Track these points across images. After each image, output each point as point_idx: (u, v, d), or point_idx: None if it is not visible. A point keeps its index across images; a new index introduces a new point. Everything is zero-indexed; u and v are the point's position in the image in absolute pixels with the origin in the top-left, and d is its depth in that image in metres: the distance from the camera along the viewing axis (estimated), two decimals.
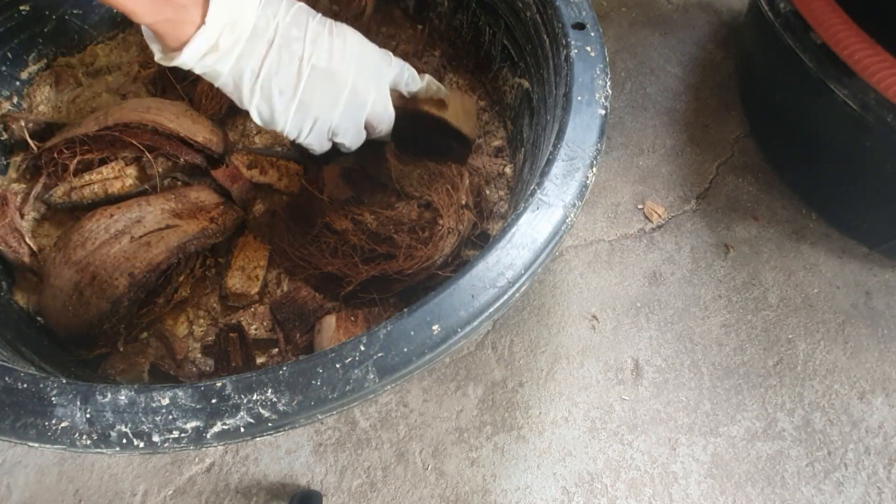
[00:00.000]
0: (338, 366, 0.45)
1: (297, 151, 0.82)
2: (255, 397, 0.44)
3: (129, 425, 0.43)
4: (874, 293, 0.94)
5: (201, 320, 0.72)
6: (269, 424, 0.44)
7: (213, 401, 0.44)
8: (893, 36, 0.78)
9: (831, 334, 0.90)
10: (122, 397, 0.44)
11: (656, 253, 0.96)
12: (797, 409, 0.85)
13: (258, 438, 0.46)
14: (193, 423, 0.43)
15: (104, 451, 0.43)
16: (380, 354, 0.46)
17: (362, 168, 0.80)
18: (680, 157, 1.06)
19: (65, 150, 0.73)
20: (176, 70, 0.76)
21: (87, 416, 0.43)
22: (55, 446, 0.42)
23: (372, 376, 0.45)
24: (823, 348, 0.89)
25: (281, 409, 0.44)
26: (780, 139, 1.03)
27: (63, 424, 0.43)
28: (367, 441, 0.80)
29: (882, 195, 0.89)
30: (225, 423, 0.43)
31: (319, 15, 0.62)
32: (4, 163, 0.78)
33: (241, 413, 0.43)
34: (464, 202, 0.73)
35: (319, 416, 0.45)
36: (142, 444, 0.42)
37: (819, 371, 0.87)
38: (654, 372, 0.86)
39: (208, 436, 0.43)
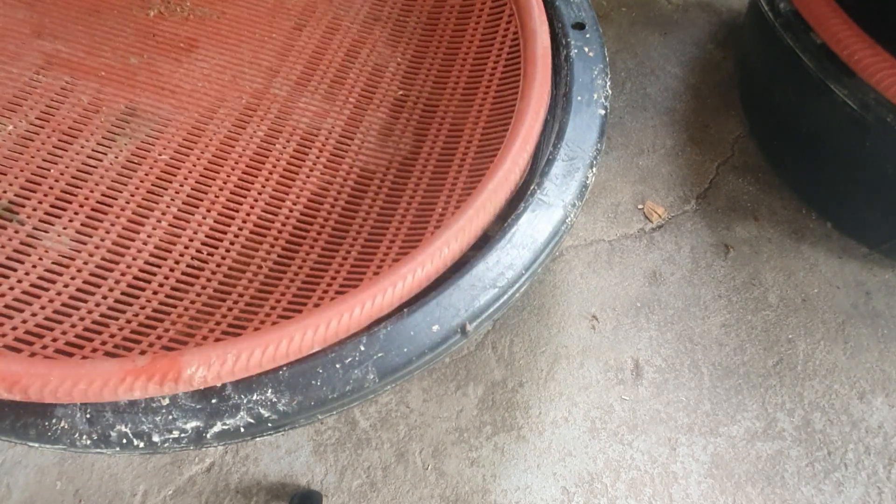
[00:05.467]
0: (338, 366, 0.45)
1: None
2: (255, 397, 0.44)
3: (129, 425, 0.43)
4: (874, 293, 0.94)
5: None
6: (269, 424, 0.44)
7: (213, 401, 0.44)
8: (893, 36, 0.78)
9: (831, 334, 0.90)
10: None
11: (656, 253, 0.96)
12: (797, 409, 0.85)
13: (258, 438, 0.46)
14: (193, 423, 0.43)
15: (104, 451, 0.43)
16: (380, 354, 0.46)
17: None
18: (680, 157, 1.06)
19: None
20: None
21: (87, 416, 0.43)
22: (55, 446, 0.43)
23: (372, 376, 0.45)
24: (823, 348, 0.89)
25: (281, 409, 0.44)
26: (780, 139, 1.03)
27: (63, 424, 0.43)
28: (367, 441, 0.80)
29: (882, 195, 0.89)
30: (225, 423, 0.43)
31: None
32: None
33: (241, 413, 0.43)
34: None
35: (319, 416, 0.45)
36: (142, 445, 0.43)
37: (819, 371, 0.87)
38: (654, 372, 0.86)
39: (208, 436, 0.43)
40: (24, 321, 0.51)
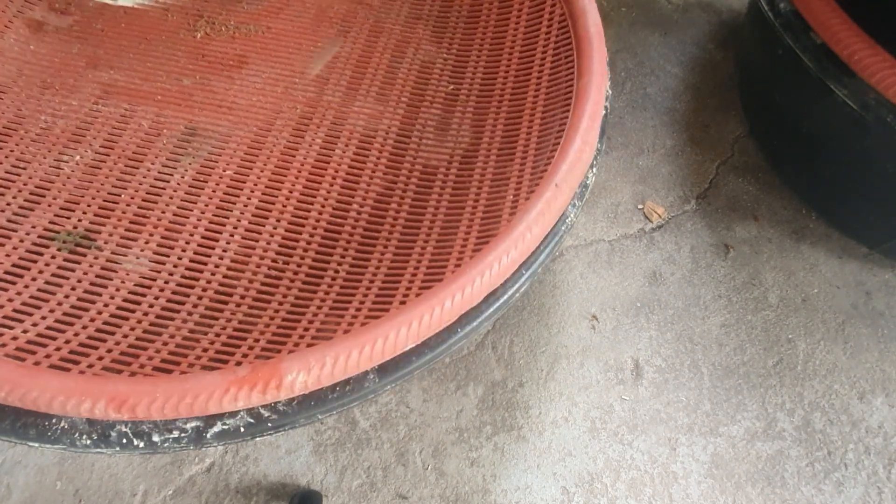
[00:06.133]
0: None
1: None
2: None
3: (129, 425, 0.43)
4: (874, 293, 0.94)
5: None
6: (269, 424, 0.44)
7: None
8: (893, 36, 0.78)
9: (831, 334, 0.90)
10: None
11: (656, 253, 0.96)
12: (797, 409, 0.85)
13: (258, 438, 0.46)
14: (193, 423, 0.43)
15: (104, 450, 0.43)
16: None
17: None
18: (680, 157, 1.06)
19: None
20: None
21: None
22: (55, 446, 0.43)
23: (372, 376, 0.45)
24: (823, 348, 0.89)
25: (281, 408, 0.44)
26: (780, 139, 1.03)
27: (63, 424, 0.43)
28: (367, 441, 0.80)
29: (882, 195, 0.89)
30: (225, 423, 0.43)
31: None
32: None
33: (241, 413, 0.43)
34: None
35: (319, 416, 0.45)
36: (142, 444, 0.43)
37: (819, 371, 0.87)
38: (654, 372, 0.86)
39: (208, 436, 0.43)
40: (118, 343, 0.53)
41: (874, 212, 0.92)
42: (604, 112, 0.60)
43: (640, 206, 1.01)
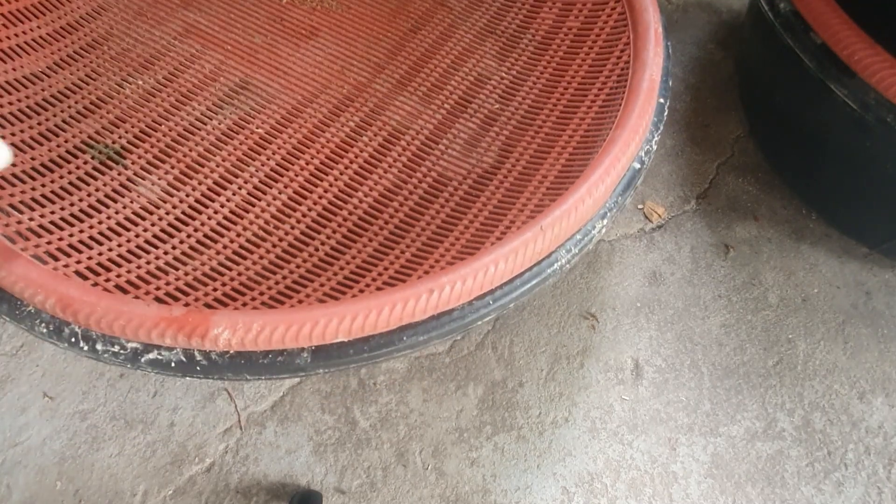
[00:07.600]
0: None
1: None
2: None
3: (81, 328, 0.47)
4: (874, 293, 0.94)
5: None
6: (198, 368, 0.47)
7: None
8: (893, 36, 0.78)
9: (831, 334, 0.90)
10: None
11: (656, 253, 0.96)
12: (797, 409, 0.85)
13: (188, 378, 0.51)
14: (133, 345, 0.47)
15: (57, 343, 0.47)
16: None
17: None
18: (680, 157, 1.06)
19: None
20: None
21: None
22: (19, 325, 0.47)
23: (305, 355, 0.47)
24: (823, 348, 0.89)
25: (213, 357, 0.47)
26: (780, 139, 1.03)
27: (30, 308, 0.47)
28: (367, 441, 0.80)
29: (882, 195, 0.89)
30: (160, 354, 0.47)
31: None
32: None
33: (177, 350, 0.47)
34: None
35: (248, 377, 0.48)
36: (85, 348, 0.47)
37: (819, 371, 0.87)
38: (654, 372, 0.86)
39: (143, 360, 0.47)
40: (100, 254, 0.57)
41: (874, 212, 0.93)
42: (638, 166, 0.57)
43: (640, 206, 1.01)
